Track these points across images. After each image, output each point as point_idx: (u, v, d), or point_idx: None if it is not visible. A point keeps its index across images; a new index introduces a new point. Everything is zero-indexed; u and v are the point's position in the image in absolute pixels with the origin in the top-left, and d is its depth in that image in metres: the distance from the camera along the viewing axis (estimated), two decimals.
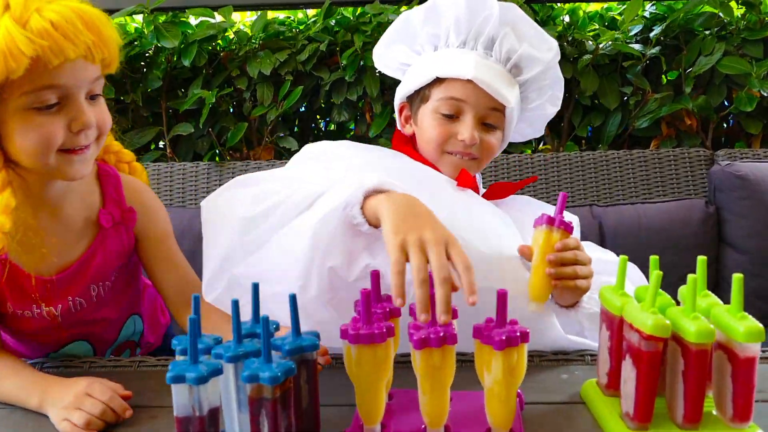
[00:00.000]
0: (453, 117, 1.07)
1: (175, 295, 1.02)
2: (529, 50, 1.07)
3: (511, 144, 1.94)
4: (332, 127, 2.04)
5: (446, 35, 1.10)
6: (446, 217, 0.87)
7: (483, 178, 1.78)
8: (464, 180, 1.05)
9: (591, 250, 1.04)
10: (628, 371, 0.73)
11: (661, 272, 0.76)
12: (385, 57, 1.19)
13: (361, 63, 1.81)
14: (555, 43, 1.12)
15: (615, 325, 0.78)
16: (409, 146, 1.14)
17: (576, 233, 1.19)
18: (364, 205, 0.81)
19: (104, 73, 0.85)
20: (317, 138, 2.14)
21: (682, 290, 0.80)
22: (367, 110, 1.91)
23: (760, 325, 0.68)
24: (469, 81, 1.04)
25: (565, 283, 0.90)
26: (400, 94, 1.17)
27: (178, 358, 0.67)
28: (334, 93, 1.88)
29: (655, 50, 1.83)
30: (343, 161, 1.02)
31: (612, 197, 1.79)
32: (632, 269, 1.12)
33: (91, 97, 0.83)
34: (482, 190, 1.18)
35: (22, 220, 0.83)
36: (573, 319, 0.97)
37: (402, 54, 1.16)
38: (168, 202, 1.84)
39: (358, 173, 0.87)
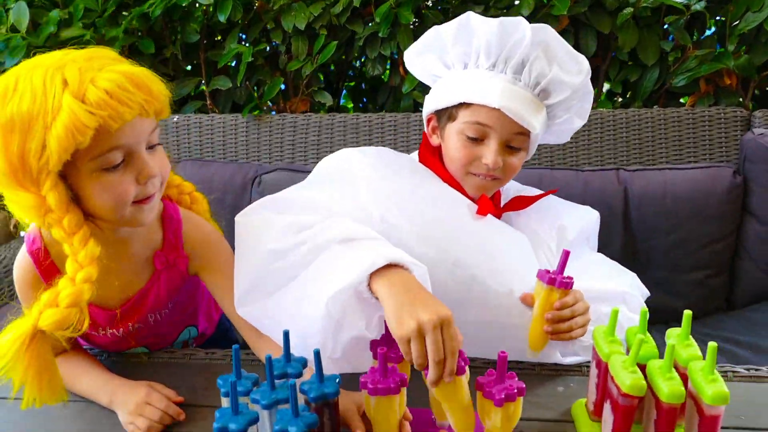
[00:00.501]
0: (478, 140, 1.10)
1: (244, 326, 1.04)
2: (558, 74, 1.07)
3: None
4: (365, 80, 2.06)
5: (476, 56, 1.10)
6: (460, 255, 0.97)
7: None
8: (484, 208, 1.10)
9: (597, 273, 1.13)
10: (608, 413, 0.83)
11: (646, 336, 0.83)
12: (416, 64, 1.21)
13: (396, 17, 1.81)
14: (586, 65, 1.11)
15: (602, 367, 0.87)
16: (435, 158, 1.18)
17: (595, 238, 1.28)
18: (371, 282, 0.86)
19: (158, 120, 0.92)
20: (353, 92, 2.18)
21: (670, 333, 0.89)
22: (401, 64, 1.93)
23: (726, 390, 0.77)
24: (495, 108, 1.06)
25: (560, 337, 1.00)
26: (429, 107, 1.19)
27: (223, 401, 0.81)
28: (368, 47, 1.89)
29: (699, 4, 1.77)
30: (364, 187, 1.06)
31: (642, 160, 1.81)
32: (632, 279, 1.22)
33: (151, 147, 0.90)
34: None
35: (99, 267, 0.89)
36: (569, 349, 1.06)
37: (432, 65, 1.17)
38: (210, 155, 1.94)
39: (373, 243, 0.93)
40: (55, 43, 1.90)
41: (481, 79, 1.08)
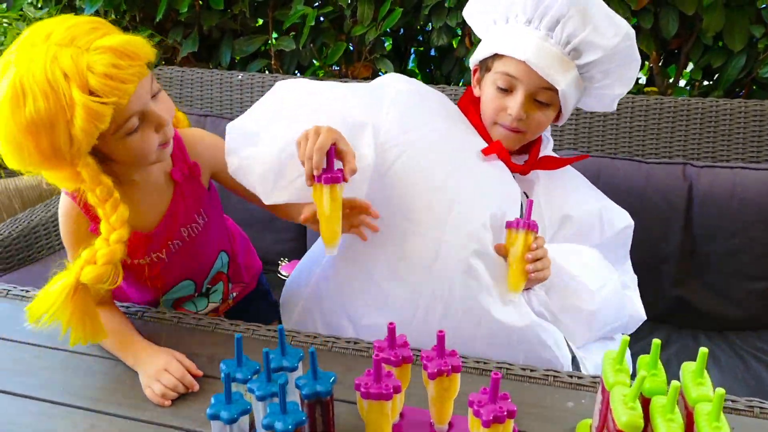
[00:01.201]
0: (507, 91, 1.16)
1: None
2: (591, 36, 1.10)
3: None
4: (434, 48, 2.01)
5: (516, 11, 1.15)
6: (449, 181, 1.13)
7: (568, 124, 1.74)
8: (491, 148, 1.18)
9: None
10: None
11: (657, 369, 0.80)
12: (471, 21, 1.27)
13: None
14: (624, 29, 1.11)
15: (605, 395, 0.84)
16: (473, 106, 1.25)
17: (628, 245, 1.32)
18: None
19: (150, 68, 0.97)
20: (420, 58, 2.13)
21: (641, 362, 0.85)
22: (468, 35, 1.86)
23: None
24: (522, 61, 1.11)
25: (536, 275, 1.09)
26: (474, 58, 1.25)
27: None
28: (434, 16, 1.84)
29: None
30: (387, 103, 1.18)
31: (714, 155, 1.69)
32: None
33: (154, 96, 0.97)
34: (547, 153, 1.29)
35: (125, 199, 1.00)
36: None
37: (482, 22, 1.24)
38: None
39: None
40: None
41: (516, 33, 1.14)
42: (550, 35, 1.12)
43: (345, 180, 0.98)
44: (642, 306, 1.34)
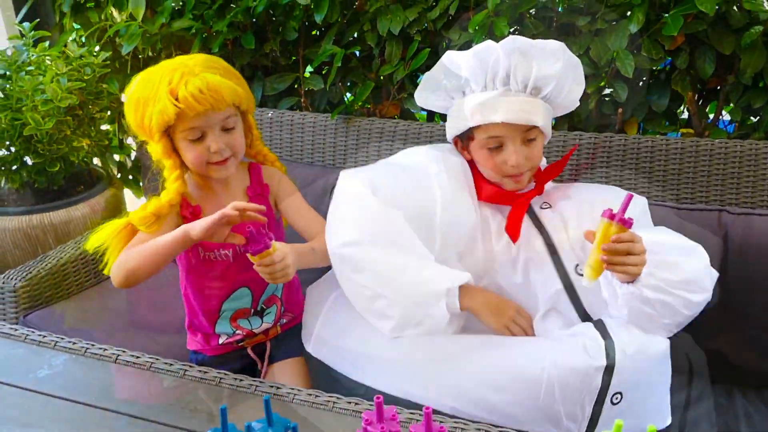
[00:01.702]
0: (498, 147, 1.30)
1: (305, 229, 1.42)
2: (540, 71, 1.25)
3: (648, 121, 1.79)
4: None
5: (468, 84, 1.31)
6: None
7: (599, 167, 1.69)
8: (513, 230, 1.31)
9: (660, 233, 1.28)
10: None
11: None
12: (427, 103, 1.45)
13: (491, 27, 1.72)
14: (558, 48, 1.26)
15: None
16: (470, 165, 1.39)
17: (646, 219, 1.39)
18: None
19: (247, 111, 1.35)
20: None
21: None
22: None
23: None
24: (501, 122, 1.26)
25: (613, 269, 1.11)
26: (449, 133, 1.41)
27: None
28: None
29: None
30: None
31: (753, 201, 1.62)
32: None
33: (226, 129, 1.29)
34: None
35: (211, 196, 1.36)
36: (626, 297, 1.16)
37: (438, 100, 1.41)
38: (299, 154, 1.97)
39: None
40: (167, 32, 2.01)
41: (480, 102, 1.28)
42: (509, 88, 1.27)
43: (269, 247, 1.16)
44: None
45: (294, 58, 2.05)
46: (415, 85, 2.00)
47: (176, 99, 1.21)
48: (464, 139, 1.36)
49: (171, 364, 1.14)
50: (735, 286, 1.53)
